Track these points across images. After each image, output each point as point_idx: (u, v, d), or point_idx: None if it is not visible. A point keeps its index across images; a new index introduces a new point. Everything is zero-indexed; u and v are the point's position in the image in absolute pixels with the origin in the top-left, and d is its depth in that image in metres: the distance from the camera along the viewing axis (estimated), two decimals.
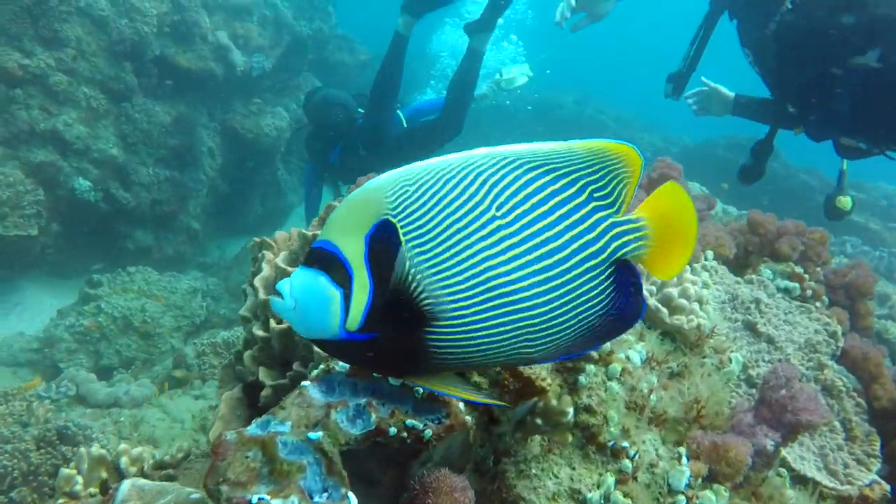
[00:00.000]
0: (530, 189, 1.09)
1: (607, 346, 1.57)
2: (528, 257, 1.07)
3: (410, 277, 1.05)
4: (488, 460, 1.53)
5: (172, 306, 5.77)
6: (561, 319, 1.11)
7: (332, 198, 6.42)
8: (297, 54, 8.78)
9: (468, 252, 1.06)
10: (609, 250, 1.13)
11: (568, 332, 1.13)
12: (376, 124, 5.59)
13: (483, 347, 1.10)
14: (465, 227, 1.06)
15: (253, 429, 1.37)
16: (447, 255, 1.05)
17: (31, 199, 5.66)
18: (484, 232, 1.06)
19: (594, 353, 1.56)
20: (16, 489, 3.23)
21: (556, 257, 1.09)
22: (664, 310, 1.87)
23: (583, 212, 1.12)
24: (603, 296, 1.13)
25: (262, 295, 1.95)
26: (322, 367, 1.50)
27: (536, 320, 1.09)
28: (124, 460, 1.76)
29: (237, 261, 7.54)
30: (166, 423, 3.92)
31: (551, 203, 1.10)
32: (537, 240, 1.08)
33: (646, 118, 13.21)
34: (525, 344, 1.12)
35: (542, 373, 1.46)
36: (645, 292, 1.79)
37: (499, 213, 1.06)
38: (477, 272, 1.06)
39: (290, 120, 8.25)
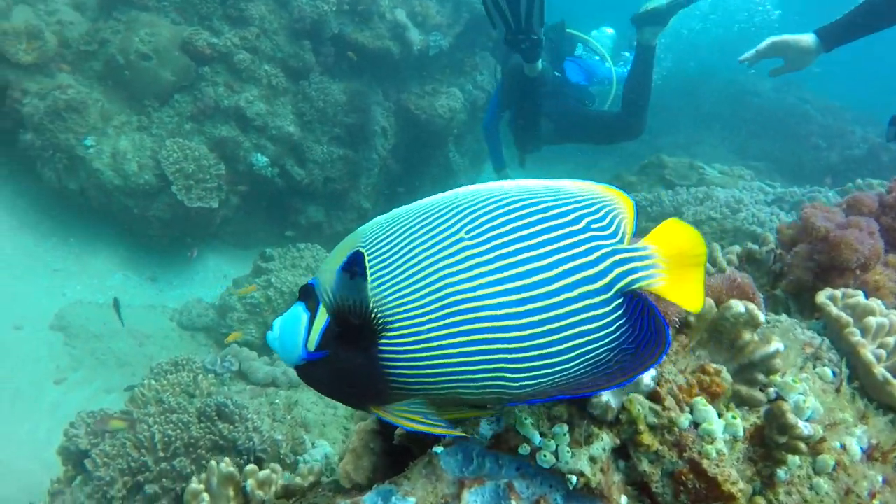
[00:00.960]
0: (511, 216, 1.06)
1: (818, 430, 1.22)
2: (499, 276, 1.02)
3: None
4: None
5: None
6: (550, 350, 1.02)
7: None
8: (476, 33, 8.63)
9: (427, 271, 1.04)
10: (611, 277, 1.05)
11: (565, 365, 1.03)
12: (566, 102, 5.24)
13: (446, 371, 1.03)
14: (428, 248, 1.05)
15: (374, 500, 1.22)
16: (405, 273, 1.05)
17: (214, 172, 5.98)
18: (447, 252, 1.04)
19: (801, 444, 1.21)
20: (177, 458, 3.40)
21: (537, 277, 1.02)
22: None
23: (578, 238, 1.06)
24: (610, 328, 1.04)
25: None
26: (459, 430, 1.25)
27: (514, 345, 1.01)
28: (251, 483, 1.71)
29: None
30: (319, 409, 3.98)
31: (537, 228, 1.05)
32: (512, 259, 1.03)
33: (857, 108, 11.75)
34: (503, 374, 1.03)
35: (731, 473, 1.15)
36: (868, 355, 1.40)
37: (467, 236, 1.04)
38: (434, 289, 1.03)
39: (465, 101, 8.14)
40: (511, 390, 1.04)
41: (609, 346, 1.04)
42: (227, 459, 1.85)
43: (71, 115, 5.64)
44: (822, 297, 1.54)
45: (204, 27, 6.05)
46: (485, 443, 1.23)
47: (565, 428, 1.16)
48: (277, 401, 3.86)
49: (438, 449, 1.25)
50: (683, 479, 1.16)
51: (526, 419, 1.17)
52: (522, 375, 1.03)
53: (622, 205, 1.12)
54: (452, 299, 1.02)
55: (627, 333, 1.06)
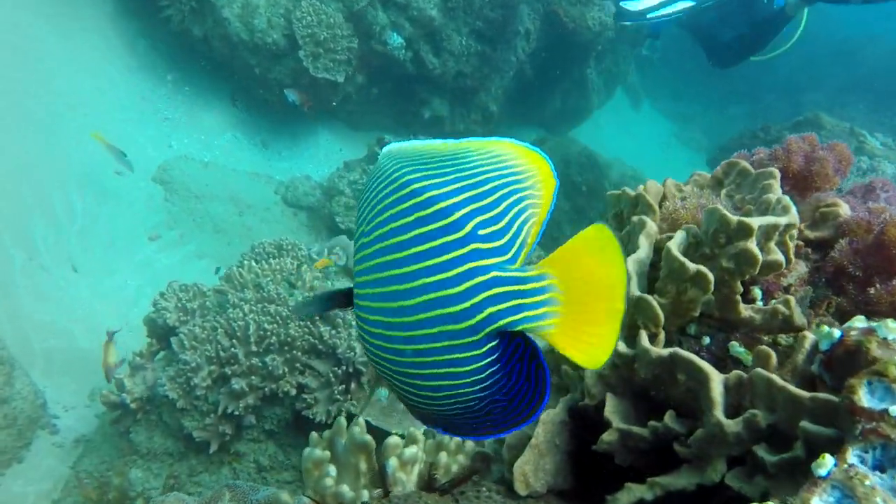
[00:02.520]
0: (394, 210, 0.79)
1: None
2: (371, 290, 0.81)
3: None
4: None
5: None
6: (422, 384, 0.81)
7: None
8: None
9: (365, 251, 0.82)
10: (479, 318, 0.76)
11: (440, 406, 0.82)
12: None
13: (380, 358, 0.82)
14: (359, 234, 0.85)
15: None
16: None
17: (346, 44, 5.44)
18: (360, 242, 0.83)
19: None
20: (269, 354, 3.03)
21: (397, 303, 0.79)
22: None
23: (451, 255, 0.76)
24: (479, 374, 0.79)
25: (634, 289, 1.25)
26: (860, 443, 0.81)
27: (394, 366, 0.81)
28: (393, 463, 1.24)
29: None
30: None
31: (411, 234, 0.78)
32: (380, 275, 0.80)
33: None
34: (407, 387, 0.82)
35: None
36: None
37: (367, 229, 0.82)
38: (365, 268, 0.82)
39: (614, 17, 7.28)
40: (414, 404, 0.85)
41: (479, 396, 0.82)
42: (360, 422, 1.39)
43: None
44: None
45: None
46: None
47: None
48: None
49: (823, 471, 0.78)
50: None
51: None
52: (414, 395, 0.83)
53: (538, 187, 0.82)
54: (361, 292, 0.83)
55: (501, 383, 0.82)
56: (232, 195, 5.42)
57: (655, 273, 1.30)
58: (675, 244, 1.23)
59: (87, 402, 3.83)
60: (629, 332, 1.24)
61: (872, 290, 1.17)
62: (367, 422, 2.20)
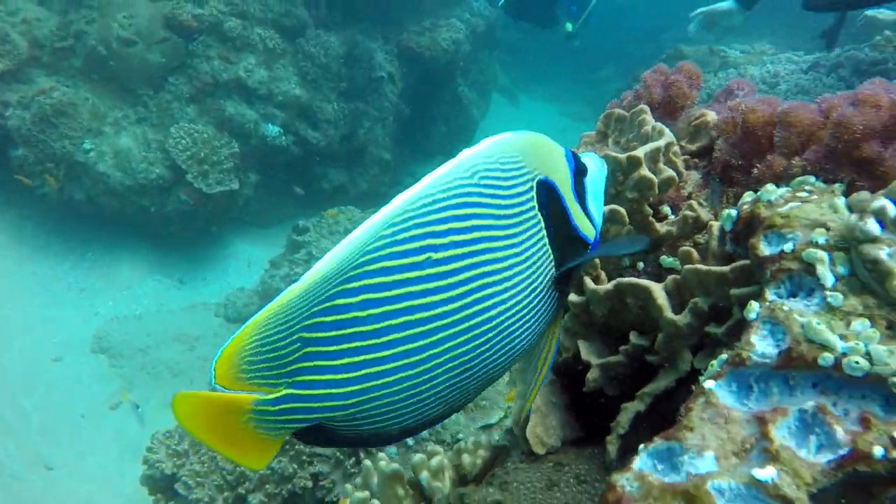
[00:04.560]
0: None
1: None
2: None
3: None
4: None
5: None
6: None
7: None
8: None
9: None
10: None
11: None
12: None
13: None
14: None
15: (654, 464, 0.88)
16: None
17: (228, 152, 5.55)
18: None
19: None
20: (275, 459, 3.06)
21: None
22: None
23: None
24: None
25: None
26: (725, 356, 0.95)
27: None
28: (426, 476, 1.34)
29: None
30: None
31: None
32: None
33: None
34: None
35: None
36: None
37: None
38: None
39: (466, 31, 7.62)
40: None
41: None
42: (383, 456, 1.49)
43: (61, 119, 5.19)
44: None
45: None
46: (769, 363, 0.90)
47: (867, 323, 0.89)
48: None
49: (709, 384, 0.92)
50: None
51: (817, 324, 0.89)
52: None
53: None
54: None
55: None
56: (176, 335, 5.40)
57: None
58: None
59: None
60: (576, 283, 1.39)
61: (755, 171, 1.35)
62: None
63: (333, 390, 0.84)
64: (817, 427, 0.86)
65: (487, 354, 0.87)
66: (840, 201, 1.00)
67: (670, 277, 1.22)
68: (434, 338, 0.83)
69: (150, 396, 4.98)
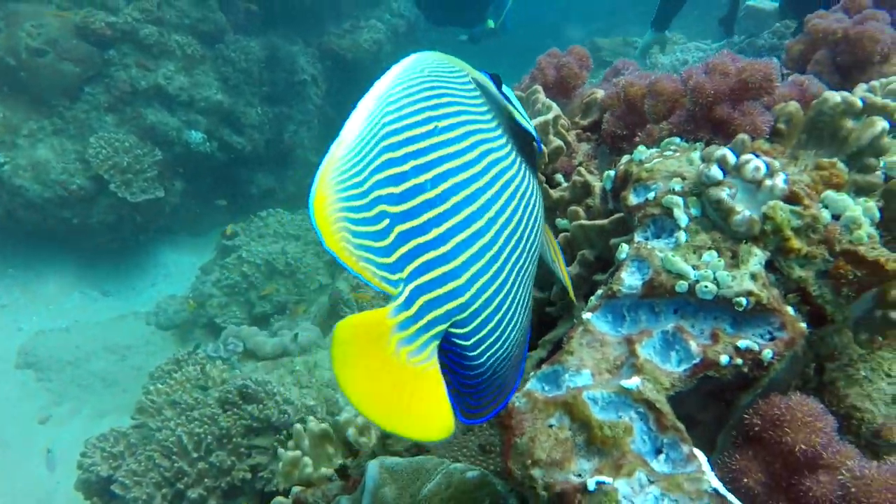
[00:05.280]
0: None
1: None
2: None
3: None
4: (809, 369, 1.19)
5: (311, 243, 5.57)
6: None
7: None
8: None
9: None
10: None
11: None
12: None
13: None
14: None
15: (541, 386, 1.02)
16: None
17: (151, 160, 5.51)
18: None
19: None
20: (213, 453, 3.11)
21: None
22: None
23: None
24: None
25: None
26: (601, 291, 1.09)
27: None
28: (352, 432, 1.44)
29: None
30: None
31: None
32: None
33: None
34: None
35: (890, 253, 1.05)
36: None
37: None
38: None
39: (387, 31, 7.73)
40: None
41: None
42: (311, 418, 1.58)
43: None
44: (860, 91, 1.39)
45: (97, 6, 5.47)
46: (636, 293, 1.05)
47: (714, 254, 1.04)
48: (298, 367, 3.58)
49: (586, 315, 1.06)
50: (842, 271, 1.06)
51: (672, 256, 1.04)
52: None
53: None
54: None
55: None
56: (106, 346, 5.33)
57: None
58: None
59: None
60: None
61: (637, 139, 1.50)
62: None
63: (447, 269, 0.76)
64: (677, 344, 1.00)
65: (527, 220, 0.87)
66: (696, 154, 1.16)
67: (562, 234, 1.36)
68: (491, 207, 0.81)
69: (81, 408, 4.92)
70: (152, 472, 3.04)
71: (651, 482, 0.87)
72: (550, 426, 0.95)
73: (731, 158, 1.06)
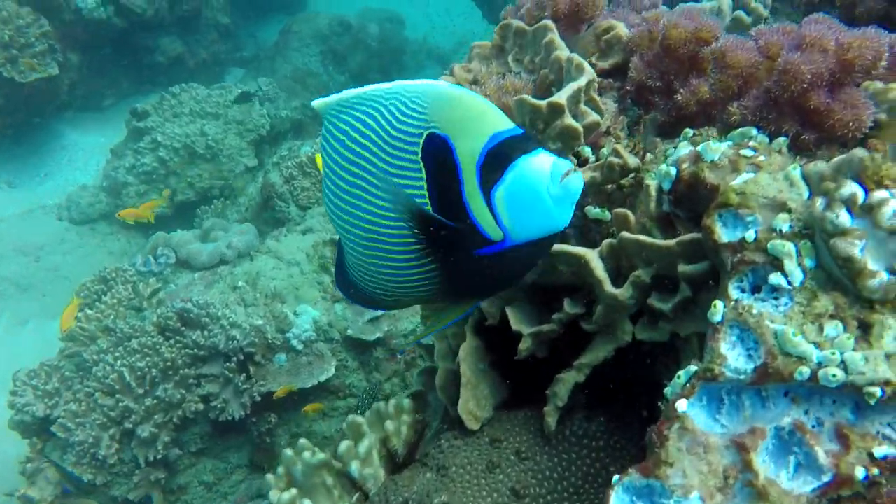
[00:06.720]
0: None
1: None
2: None
3: None
4: None
5: (232, 121, 5.06)
6: None
7: None
8: None
9: None
10: None
11: None
12: None
13: None
14: None
15: (631, 499, 0.83)
16: None
17: (38, 32, 4.78)
18: None
19: None
20: (159, 387, 2.89)
21: None
22: None
23: None
24: None
25: None
26: (694, 368, 0.89)
27: None
28: (356, 466, 1.24)
29: (278, 48, 6.66)
30: (283, 272, 3.45)
31: None
32: None
33: None
34: None
35: None
36: None
37: None
38: None
39: None
40: None
41: None
42: (305, 443, 1.36)
43: None
44: None
45: None
46: (744, 379, 0.85)
47: (840, 326, 0.83)
48: (240, 282, 3.31)
49: (681, 406, 0.86)
50: None
51: (793, 335, 0.82)
52: None
53: None
54: None
55: None
56: (16, 246, 4.86)
57: None
58: None
59: None
60: None
61: (679, 97, 1.23)
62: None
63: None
64: (795, 446, 0.82)
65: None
66: (796, 173, 0.92)
67: (606, 243, 1.13)
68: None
69: None
70: (95, 412, 2.82)
71: None
72: None
73: (862, 197, 0.83)
